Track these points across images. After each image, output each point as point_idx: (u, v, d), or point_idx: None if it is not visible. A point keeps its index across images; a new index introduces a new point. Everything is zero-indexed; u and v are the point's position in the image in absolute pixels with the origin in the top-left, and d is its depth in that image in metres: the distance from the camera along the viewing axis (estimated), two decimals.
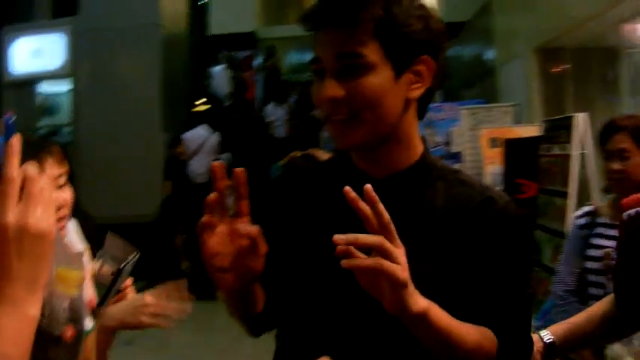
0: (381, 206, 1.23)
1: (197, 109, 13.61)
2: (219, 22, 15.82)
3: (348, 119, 1.43)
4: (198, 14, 14.80)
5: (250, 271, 1.37)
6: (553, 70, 9.22)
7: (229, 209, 1.34)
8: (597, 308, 1.93)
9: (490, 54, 11.51)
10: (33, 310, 0.99)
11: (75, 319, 1.24)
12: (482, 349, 1.39)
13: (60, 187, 2.00)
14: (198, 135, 11.48)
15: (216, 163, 1.32)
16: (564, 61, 9.04)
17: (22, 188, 1.00)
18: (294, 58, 20.27)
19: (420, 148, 1.57)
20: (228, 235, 1.33)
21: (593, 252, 2.97)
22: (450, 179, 1.56)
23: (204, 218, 1.31)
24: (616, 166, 2.86)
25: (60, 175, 1.99)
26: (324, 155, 1.61)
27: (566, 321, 1.95)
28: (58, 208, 1.94)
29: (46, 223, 1.00)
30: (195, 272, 3.30)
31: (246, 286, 1.43)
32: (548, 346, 1.86)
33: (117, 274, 2.04)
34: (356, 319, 1.48)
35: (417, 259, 1.33)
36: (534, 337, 1.86)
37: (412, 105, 1.49)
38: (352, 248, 1.21)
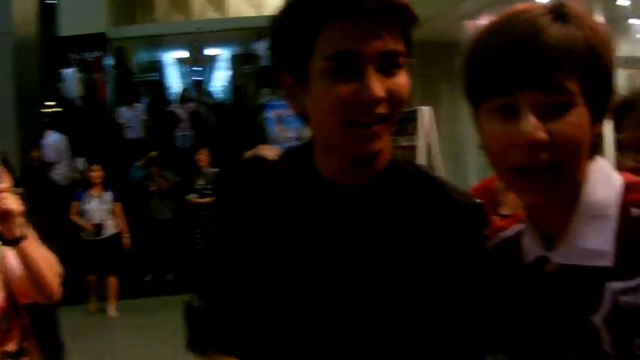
0: None
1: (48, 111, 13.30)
2: (68, 24, 15.40)
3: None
4: (47, 16, 14.37)
5: None
6: None
7: None
8: None
9: None
10: None
11: None
12: None
13: None
14: (53, 139, 11.31)
15: None
16: (410, 55, 9.36)
17: None
18: (144, 57, 19.97)
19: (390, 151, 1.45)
20: None
21: None
22: (417, 184, 1.44)
23: None
24: None
25: None
26: (271, 152, 1.40)
27: None
28: None
29: None
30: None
31: None
32: None
33: None
34: (360, 334, 1.35)
35: (388, 268, 1.34)
36: None
37: None
38: None
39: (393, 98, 1.28)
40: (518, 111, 1.13)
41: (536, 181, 1.14)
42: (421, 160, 6.79)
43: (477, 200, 1.46)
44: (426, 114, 6.87)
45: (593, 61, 1.14)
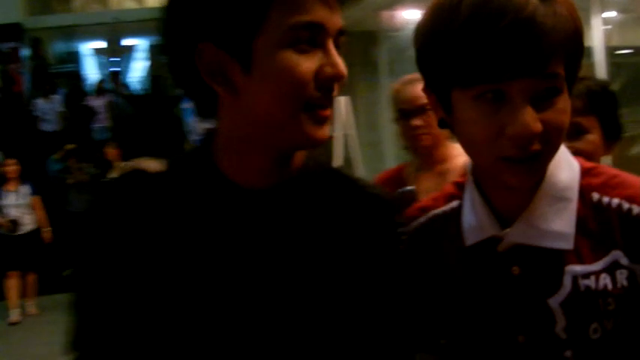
0: None
1: None
2: None
3: None
4: None
5: None
6: None
7: None
8: None
9: None
10: None
11: None
12: None
13: None
14: None
15: None
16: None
17: None
18: (61, 48, 19.60)
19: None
20: None
21: None
22: (331, 183, 1.28)
23: None
24: None
25: None
26: (153, 165, 1.08)
27: None
28: None
29: None
30: None
31: None
32: None
33: None
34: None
35: (310, 276, 1.17)
36: None
37: None
38: None
39: (343, 79, 1.12)
40: (505, 97, 1.07)
41: (525, 169, 1.10)
42: (338, 150, 6.88)
43: (409, 189, 1.32)
44: (342, 104, 6.95)
45: (576, 42, 1.10)
